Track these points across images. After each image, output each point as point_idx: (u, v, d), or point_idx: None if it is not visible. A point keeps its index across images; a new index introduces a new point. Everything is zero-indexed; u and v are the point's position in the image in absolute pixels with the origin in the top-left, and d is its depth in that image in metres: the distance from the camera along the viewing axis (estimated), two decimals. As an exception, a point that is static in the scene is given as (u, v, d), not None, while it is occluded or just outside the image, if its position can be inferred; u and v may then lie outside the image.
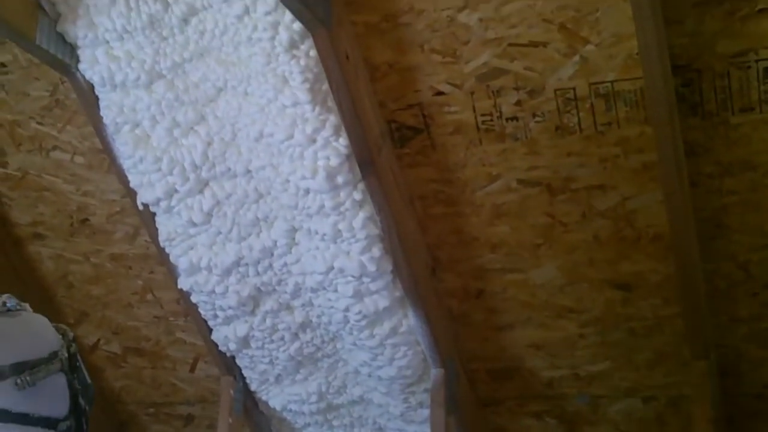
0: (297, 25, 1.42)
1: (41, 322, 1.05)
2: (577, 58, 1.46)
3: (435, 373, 1.88)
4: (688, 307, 1.66)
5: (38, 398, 0.96)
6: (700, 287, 1.63)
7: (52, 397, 0.98)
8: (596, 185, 1.60)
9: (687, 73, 1.43)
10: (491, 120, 1.58)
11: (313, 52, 1.45)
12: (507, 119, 1.57)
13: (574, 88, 1.50)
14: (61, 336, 1.04)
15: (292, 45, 1.44)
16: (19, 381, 0.93)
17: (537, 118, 1.55)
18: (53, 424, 0.97)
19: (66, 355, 1.02)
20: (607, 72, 1.46)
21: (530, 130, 1.57)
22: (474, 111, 1.58)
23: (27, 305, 1.05)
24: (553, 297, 1.79)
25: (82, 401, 1.02)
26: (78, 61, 1.62)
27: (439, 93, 1.58)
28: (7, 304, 1.02)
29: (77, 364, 1.05)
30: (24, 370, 0.95)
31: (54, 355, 1.00)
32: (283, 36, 1.44)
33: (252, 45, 1.48)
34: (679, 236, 1.55)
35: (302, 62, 1.46)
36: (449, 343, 1.90)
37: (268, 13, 1.42)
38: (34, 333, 1.01)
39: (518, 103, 1.55)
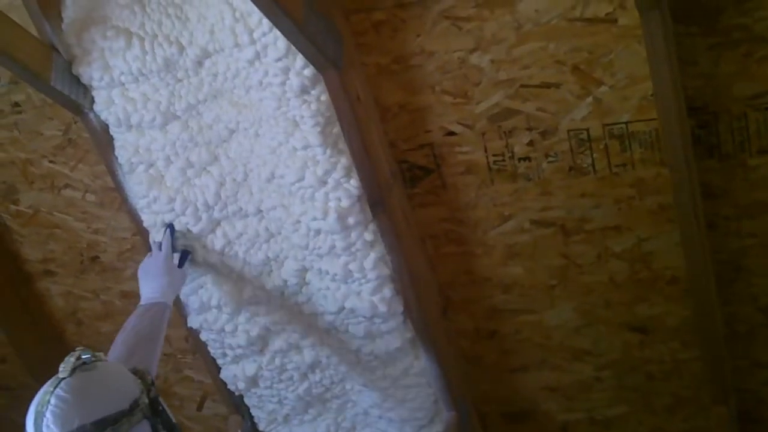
0: (308, 71, 1.42)
1: (118, 371, 1.05)
2: (590, 99, 1.45)
3: (447, 415, 1.85)
4: (707, 351, 1.62)
5: None
6: (719, 331, 1.59)
7: None
8: (612, 226, 1.58)
9: (703, 115, 1.42)
10: (503, 160, 1.57)
11: (324, 97, 1.45)
12: (519, 159, 1.56)
13: (587, 129, 1.49)
14: (140, 381, 1.03)
15: (303, 90, 1.44)
16: None
17: (550, 159, 1.54)
18: None
19: (147, 401, 1.02)
20: (622, 113, 1.45)
21: (543, 171, 1.56)
22: (486, 151, 1.57)
23: (101, 354, 1.05)
24: (569, 339, 1.76)
25: None
26: (92, 101, 1.63)
27: (451, 133, 1.57)
28: (83, 357, 1.02)
29: (159, 407, 1.04)
30: (106, 426, 0.95)
31: (135, 405, 1.00)
32: (294, 81, 1.43)
33: (263, 89, 1.48)
34: (696, 279, 1.52)
35: (313, 107, 1.46)
36: (461, 385, 1.87)
37: (278, 59, 1.42)
38: (113, 385, 1.01)
39: (531, 143, 1.53)
